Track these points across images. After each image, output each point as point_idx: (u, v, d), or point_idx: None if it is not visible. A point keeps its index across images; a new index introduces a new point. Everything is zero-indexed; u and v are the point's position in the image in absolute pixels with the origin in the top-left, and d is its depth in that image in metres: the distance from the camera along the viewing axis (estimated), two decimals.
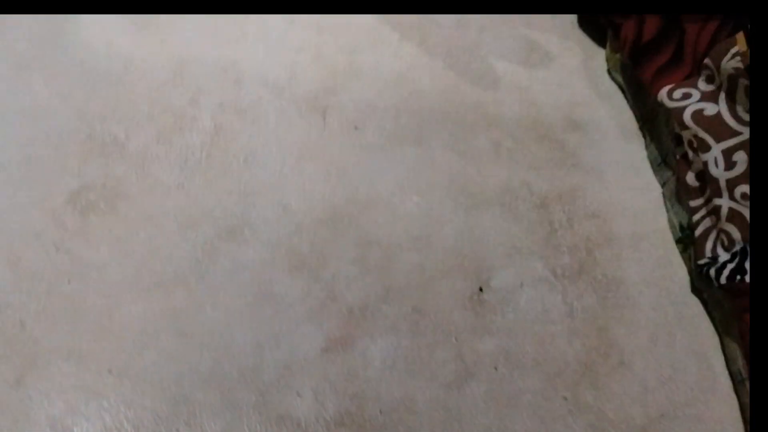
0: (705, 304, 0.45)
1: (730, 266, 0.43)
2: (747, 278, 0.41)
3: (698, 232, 0.46)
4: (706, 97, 0.47)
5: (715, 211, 0.45)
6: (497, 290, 0.45)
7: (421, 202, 0.49)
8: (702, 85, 0.48)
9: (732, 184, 0.44)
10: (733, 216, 0.44)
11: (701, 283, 0.45)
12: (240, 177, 0.48)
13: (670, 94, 0.49)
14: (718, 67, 0.46)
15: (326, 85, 0.52)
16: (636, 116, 0.54)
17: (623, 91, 0.55)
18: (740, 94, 0.45)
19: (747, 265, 0.42)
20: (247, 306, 0.44)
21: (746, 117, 0.44)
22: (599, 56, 0.57)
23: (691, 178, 0.47)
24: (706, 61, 0.47)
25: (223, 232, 0.46)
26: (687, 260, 0.47)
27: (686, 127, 0.47)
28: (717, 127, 0.46)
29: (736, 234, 0.43)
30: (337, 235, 0.47)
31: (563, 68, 0.55)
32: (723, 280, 0.42)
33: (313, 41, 0.54)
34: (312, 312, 0.44)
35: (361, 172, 0.50)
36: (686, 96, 0.48)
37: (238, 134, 0.49)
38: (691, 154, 0.47)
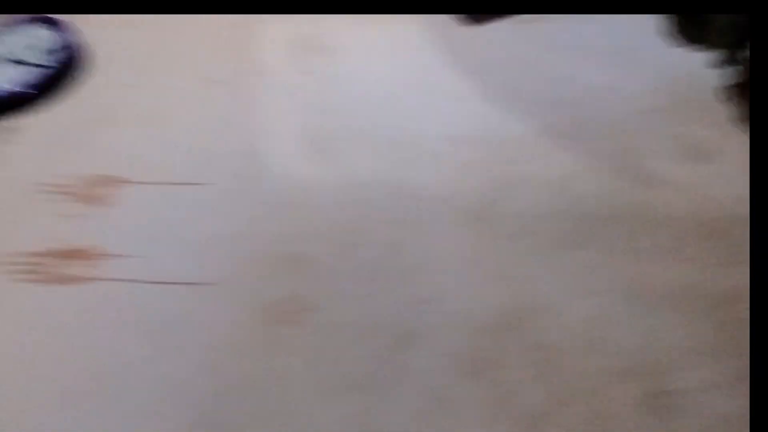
0: None
1: None
2: None
3: None
4: None
5: None
6: (676, 394, 0.46)
7: (590, 305, 0.52)
8: None
9: None
10: None
11: None
12: (413, 286, 0.54)
13: None
14: None
15: (489, 195, 0.58)
16: None
17: None
18: None
19: None
20: (422, 412, 0.48)
21: None
22: None
23: None
24: None
25: (399, 340, 0.51)
26: None
27: None
28: None
29: None
30: (508, 340, 0.51)
31: (726, 163, 0.57)
32: None
33: (473, 155, 0.60)
34: (486, 419, 0.47)
35: (528, 278, 0.54)
36: None
37: (410, 247, 0.56)
38: None
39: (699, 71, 0.63)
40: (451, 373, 0.50)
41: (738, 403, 0.46)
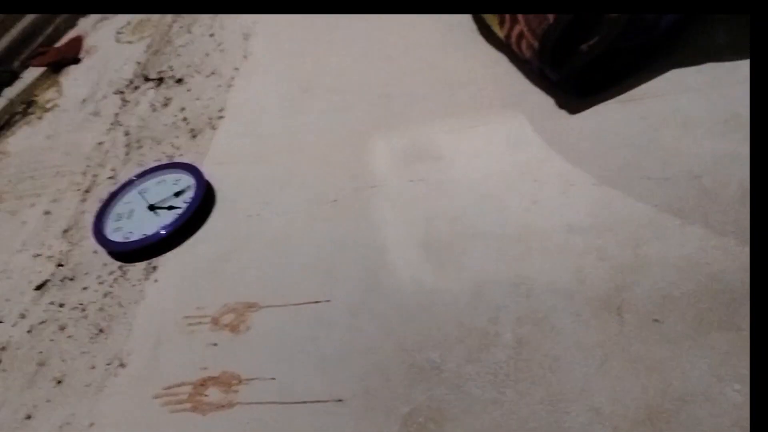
0: None
1: None
2: None
3: None
4: None
5: None
6: None
7: (745, 390, 0.50)
8: None
9: None
10: None
11: None
12: (548, 385, 0.54)
13: None
14: None
15: (616, 282, 0.58)
16: None
17: None
18: None
19: None
20: None
21: None
22: None
23: None
24: None
25: None
26: None
27: None
28: None
29: None
30: None
31: None
32: None
33: (594, 243, 0.61)
34: None
35: (670, 366, 0.53)
36: None
37: (539, 344, 0.56)
38: None
39: None
40: None
41: None
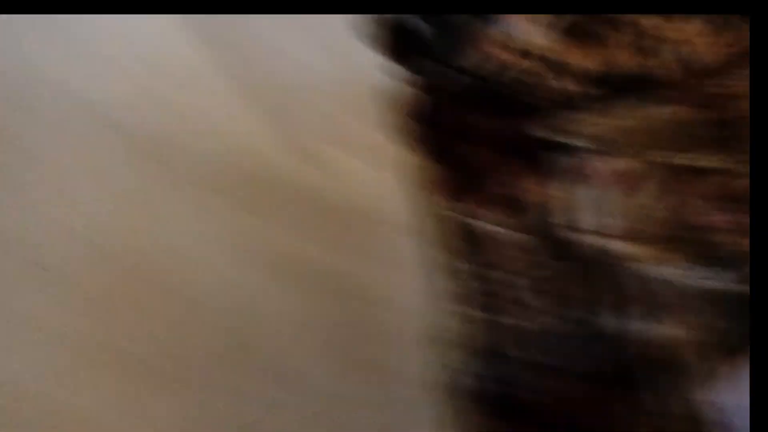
0: None
1: None
2: None
3: None
4: None
5: None
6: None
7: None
8: None
9: None
10: None
11: None
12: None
13: None
14: None
15: (152, 122, 0.56)
16: None
17: None
18: None
19: None
20: None
21: None
22: None
23: None
24: None
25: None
26: None
27: None
28: None
29: None
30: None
31: (369, 163, 0.65)
32: None
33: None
34: None
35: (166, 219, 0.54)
36: None
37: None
38: None
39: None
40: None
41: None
